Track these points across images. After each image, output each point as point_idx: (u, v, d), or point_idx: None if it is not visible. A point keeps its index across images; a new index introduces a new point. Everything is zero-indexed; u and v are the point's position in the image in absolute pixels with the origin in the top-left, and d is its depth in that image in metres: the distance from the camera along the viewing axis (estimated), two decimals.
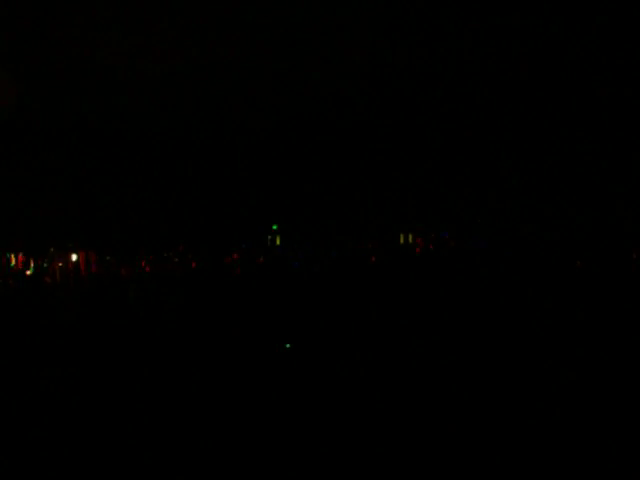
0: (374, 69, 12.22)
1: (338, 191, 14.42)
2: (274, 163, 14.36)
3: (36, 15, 9.29)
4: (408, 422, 4.58)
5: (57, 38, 9.78)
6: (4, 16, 9.14)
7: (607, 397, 4.90)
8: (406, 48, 11.08)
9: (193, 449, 4.25)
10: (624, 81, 11.08)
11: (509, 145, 13.40)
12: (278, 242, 14.13)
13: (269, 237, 14.19)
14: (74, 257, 11.90)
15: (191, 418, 4.89)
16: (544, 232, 13.40)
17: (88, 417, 4.99)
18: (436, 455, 4.02)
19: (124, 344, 8.15)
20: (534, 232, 13.64)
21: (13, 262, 11.62)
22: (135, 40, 9.91)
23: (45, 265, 11.69)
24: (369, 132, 13.83)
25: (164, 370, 6.62)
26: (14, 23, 9.44)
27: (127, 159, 13.59)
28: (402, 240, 15.72)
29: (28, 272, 11.09)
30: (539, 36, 10.14)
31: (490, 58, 11.31)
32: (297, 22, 9.50)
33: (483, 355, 6.27)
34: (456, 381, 5.54)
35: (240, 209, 14.11)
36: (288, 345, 6.19)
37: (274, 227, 14.33)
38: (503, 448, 4.08)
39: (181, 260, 12.87)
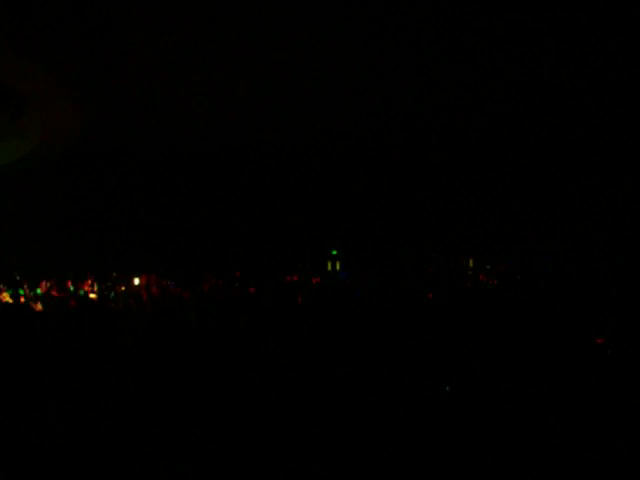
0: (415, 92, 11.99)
1: (399, 216, 14.11)
2: (332, 189, 14.22)
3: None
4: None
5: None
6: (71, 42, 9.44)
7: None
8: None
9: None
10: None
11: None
12: (338, 267, 13.86)
13: (329, 262, 13.96)
14: (136, 281, 11.97)
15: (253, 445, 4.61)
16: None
17: (151, 440, 4.76)
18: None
19: (186, 368, 7.98)
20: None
21: (73, 287, 11.80)
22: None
23: (109, 289, 11.81)
24: (427, 161, 13.56)
25: (226, 394, 6.37)
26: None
27: (188, 186, 13.73)
28: (465, 265, 15.19)
29: (92, 296, 11.20)
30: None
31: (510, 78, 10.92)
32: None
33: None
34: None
35: (300, 234, 13.96)
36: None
37: (334, 252, 14.09)
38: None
39: (241, 285, 12.75)
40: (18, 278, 11.13)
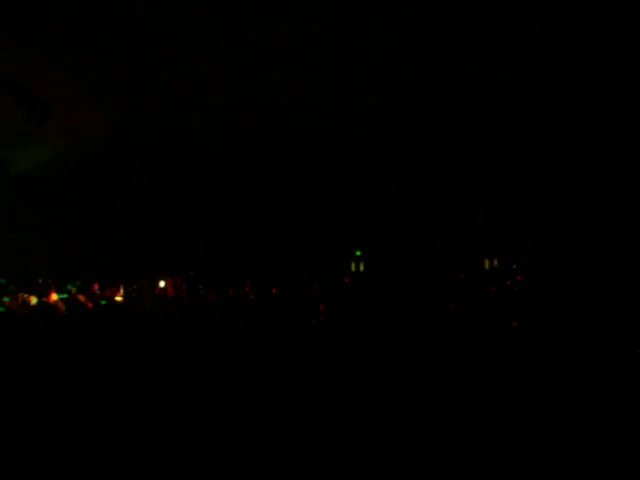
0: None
1: (423, 216, 13.95)
2: (356, 188, 14.13)
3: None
4: None
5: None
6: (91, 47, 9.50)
7: None
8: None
9: None
10: None
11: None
12: (362, 268, 13.74)
13: (352, 263, 13.85)
14: (162, 284, 11.99)
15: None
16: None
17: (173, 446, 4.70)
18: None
19: (213, 371, 7.93)
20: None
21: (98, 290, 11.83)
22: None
23: (134, 292, 11.83)
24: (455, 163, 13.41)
25: (254, 397, 6.28)
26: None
27: (212, 189, 13.74)
28: (487, 266, 14.94)
29: (118, 299, 11.23)
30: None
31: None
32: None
33: None
34: None
35: (322, 235, 13.88)
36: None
37: (357, 253, 13.98)
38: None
39: (259, 287, 12.67)
40: (41, 280, 11.19)
